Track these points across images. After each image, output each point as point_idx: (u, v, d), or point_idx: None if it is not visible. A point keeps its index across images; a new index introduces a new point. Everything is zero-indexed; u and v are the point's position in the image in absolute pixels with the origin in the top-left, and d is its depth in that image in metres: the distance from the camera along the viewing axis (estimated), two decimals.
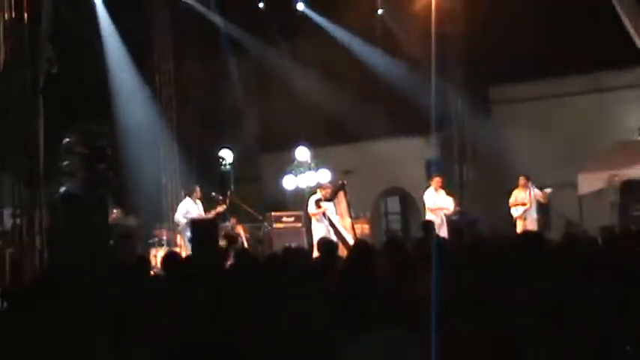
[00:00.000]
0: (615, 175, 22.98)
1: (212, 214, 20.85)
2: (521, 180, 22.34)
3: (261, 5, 26.42)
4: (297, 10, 27.35)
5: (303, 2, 27.26)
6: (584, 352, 5.76)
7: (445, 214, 22.14)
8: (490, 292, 6.70)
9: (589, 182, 23.73)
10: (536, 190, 22.21)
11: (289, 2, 27.01)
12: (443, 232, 21.11)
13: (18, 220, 16.91)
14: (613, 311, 6.37)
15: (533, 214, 22.16)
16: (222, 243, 17.20)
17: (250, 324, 6.30)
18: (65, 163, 17.31)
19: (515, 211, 22.21)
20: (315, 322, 6.58)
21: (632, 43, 22.22)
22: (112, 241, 18.58)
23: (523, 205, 22.11)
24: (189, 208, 20.47)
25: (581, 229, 21.43)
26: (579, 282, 7.04)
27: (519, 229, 21.30)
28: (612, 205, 22.50)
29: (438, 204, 22.21)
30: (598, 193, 23.59)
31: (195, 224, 18.94)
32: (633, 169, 22.60)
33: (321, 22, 27.56)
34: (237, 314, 6.62)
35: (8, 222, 18.07)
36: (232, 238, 13.45)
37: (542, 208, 22.90)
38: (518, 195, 22.21)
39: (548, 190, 22.44)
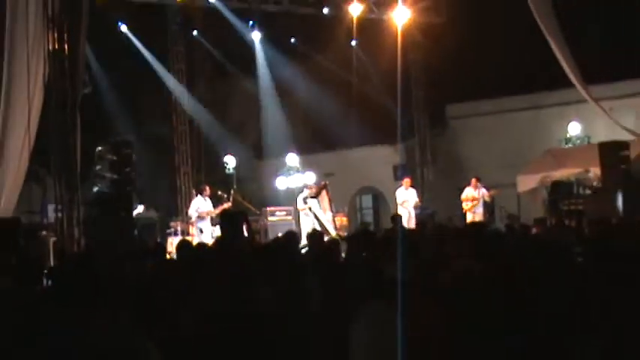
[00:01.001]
0: (547, 177, 23.03)
1: (219, 209, 20.92)
2: (473, 180, 22.53)
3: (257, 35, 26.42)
4: (291, 42, 27.42)
5: (295, 38, 27.31)
6: (532, 316, 5.77)
7: (412, 208, 22.45)
8: (447, 268, 6.75)
9: (526, 182, 23.84)
10: (484, 190, 22.44)
11: (286, 37, 27.05)
12: (412, 223, 21.37)
13: (60, 214, 16.97)
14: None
15: (480, 209, 22.40)
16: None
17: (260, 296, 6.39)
18: (98, 167, 17.45)
19: (466, 205, 22.45)
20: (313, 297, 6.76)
21: (561, 67, 22.47)
22: (135, 231, 18.75)
23: (472, 201, 22.35)
24: (200, 205, 20.35)
25: (519, 221, 21.66)
26: (520, 259, 7.17)
27: (468, 219, 21.55)
28: (544, 201, 22.63)
29: (406, 200, 22.52)
30: (533, 191, 23.75)
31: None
32: (561, 171, 22.68)
33: (308, 52, 27.67)
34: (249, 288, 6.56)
35: (52, 216, 18.21)
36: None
37: (487, 204, 23.14)
38: (469, 192, 22.38)
39: (493, 192, 22.68)
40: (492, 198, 22.77)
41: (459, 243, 8.29)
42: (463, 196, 22.46)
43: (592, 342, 5.53)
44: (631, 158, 20.32)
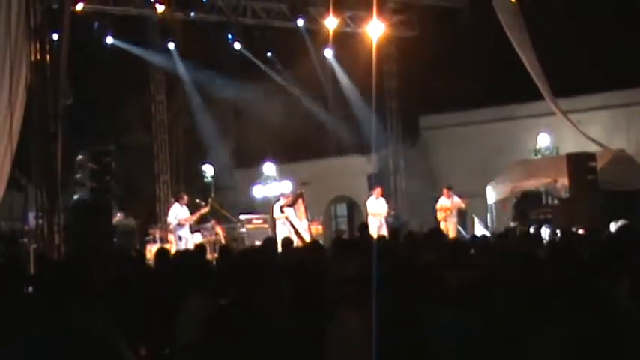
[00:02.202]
0: (516, 187, 23.25)
1: (197, 215, 21.01)
2: (445, 190, 22.67)
3: (237, 47, 26.42)
4: (265, 57, 27.46)
5: (268, 48, 27.34)
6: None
7: (384, 217, 22.52)
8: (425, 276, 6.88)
9: (496, 192, 24.02)
10: (457, 199, 22.54)
11: (262, 50, 27.08)
12: (383, 231, 21.46)
13: (40, 221, 16.96)
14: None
15: (454, 218, 22.52)
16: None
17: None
18: (78, 175, 17.52)
19: (440, 216, 22.54)
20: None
21: (532, 80, 22.66)
22: (115, 238, 18.75)
23: (445, 211, 22.44)
24: (178, 212, 20.43)
25: (490, 230, 21.86)
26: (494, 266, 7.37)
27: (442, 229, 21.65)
28: (514, 210, 22.77)
29: (377, 210, 22.60)
30: (503, 201, 23.93)
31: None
32: (530, 181, 22.87)
33: (285, 63, 27.72)
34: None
35: (33, 223, 18.19)
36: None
37: (461, 213, 23.27)
38: (443, 202, 22.46)
39: (463, 204, 22.75)
40: (465, 206, 22.85)
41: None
42: (438, 205, 22.55)
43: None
44: (598, 169, 20.53)
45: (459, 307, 5.82)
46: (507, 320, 5.71)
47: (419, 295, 6.05)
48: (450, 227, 21.80)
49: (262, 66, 27.33)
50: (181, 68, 26.33)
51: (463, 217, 24.14)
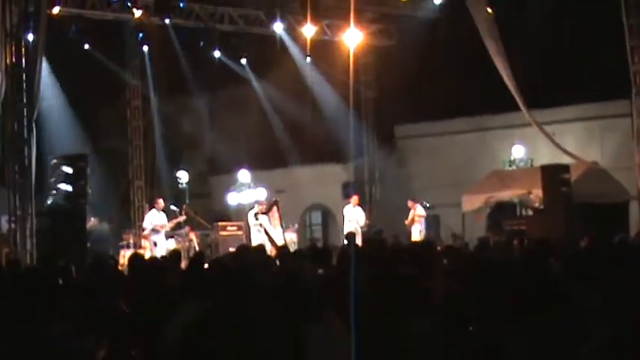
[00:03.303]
0: (491, 197, 23.32)
1: (173, 223, 20.95)
2: (409, 202, 22.84)
3: (217, 55, 26.37)
4: (241, 64, 27.41)
5: (246, 59, 27.32)
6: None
7: (360, 226, 22.57)
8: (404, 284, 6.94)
9: (471, 202, 24.05)
10: (419, 208, 22.67)
11: (237, 56, 27.04)
12: (357, 240, 21.48)
13: (13, 225, 16.90)
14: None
15: (417, 227, 22.61)
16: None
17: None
18: (52, 179, 17.43)
19: (408, 226, 22.70)
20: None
21: (508, 91, 22.75)
22: (88, 243, 18.68)
23: (411, 222, 22.59)
24: (154, 218, 20.37)
25: (463, 240, 21.90)
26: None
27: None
28: (488, 220, 22.87)
29: (353, 217, 22.64)
30: (477, 211, 23.99)
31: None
32: (504, 192, 22.96)
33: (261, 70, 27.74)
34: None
35: (5, 227, 18.10)
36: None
37: (428, 222, 23.41)
38: (410, 213, 22.70)
39: (422, 213, 22.82)
40: (426, 213, 22.98)
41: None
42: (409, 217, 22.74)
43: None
44: (572, 181, 20.66)
45: (437, 315, 5.88)
46: (483, 327, 5.78)
47: (397, 303, 6.08)
48: (415, 237, 21.98)
49: (239, 72, 27.30)
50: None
51: (429, 226, 24.25)
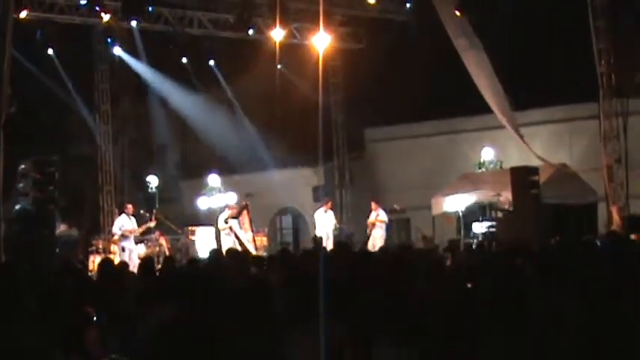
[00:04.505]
0: (460, 200, 23.42)
1: (143, 228, 20.87)
2: (372, 203, 22.94)
3: (184, 60, 26.38)
4: (209, 65, 27.39)
5: (214, 59, 27.30)
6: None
7: (332, 230, 22.63)
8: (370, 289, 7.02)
9: (441, 205, 24.15)
10: (382, 213, 22.76)
11: (204, 59, 27.02)
12: (329, 244, 21.50)
13: None
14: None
15: (379, 232, 22.71)
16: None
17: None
18: (21, 185, 17.33)
19: (369, 230, 22.78)
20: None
21: (479, 94, 22.74)
22: (57, 249, 18.57)
23: (372, 225, 22.67)
24: (125, 223, 20.26)
25: (433, 242, 21.97)
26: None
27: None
28: (458, 223, 22.90)
29: (324, 222, 22.68)
30: (446, 214, 24.05)
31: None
32: (474, 194, 23.04)
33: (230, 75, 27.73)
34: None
35: None
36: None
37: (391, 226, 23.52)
38: (372, 216, 22.77)
39: (384, 218, 22.89)
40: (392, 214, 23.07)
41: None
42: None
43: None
44: (540, 183, 20.78)
45: (414, 322, 5.93)
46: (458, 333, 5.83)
47: (373, 310, 6.12)
48: (375, 241, 22.11)
49: (208, 77, 27.29)
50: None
51: (407, 228, 24.31)
